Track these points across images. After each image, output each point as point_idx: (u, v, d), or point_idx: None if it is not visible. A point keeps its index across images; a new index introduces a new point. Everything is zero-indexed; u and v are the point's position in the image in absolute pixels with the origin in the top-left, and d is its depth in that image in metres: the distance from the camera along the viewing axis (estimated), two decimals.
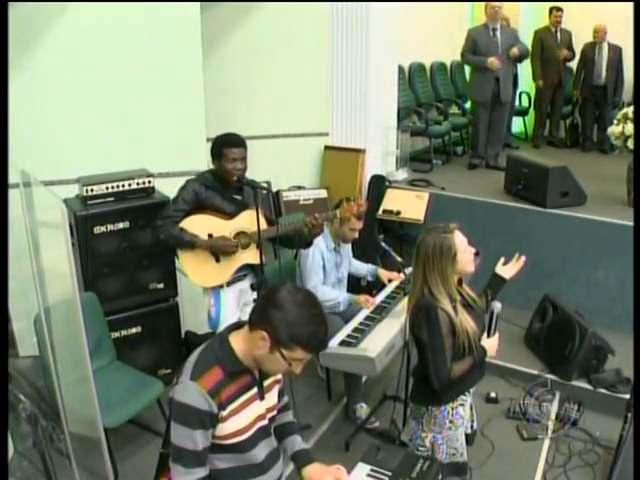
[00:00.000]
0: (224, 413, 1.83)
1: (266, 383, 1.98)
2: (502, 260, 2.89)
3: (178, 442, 1.81)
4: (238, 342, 1.87)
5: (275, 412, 2.07)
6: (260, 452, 1.98)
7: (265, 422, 1.99)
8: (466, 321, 2.50)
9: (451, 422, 2.62)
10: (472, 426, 2.89)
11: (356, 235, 3.92)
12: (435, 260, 2.48)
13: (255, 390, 1.93)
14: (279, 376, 2.06)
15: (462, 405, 2.65)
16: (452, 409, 2.61)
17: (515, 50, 6.32)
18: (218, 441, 1.87)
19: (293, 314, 1.76)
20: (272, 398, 2.03)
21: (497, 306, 2.64)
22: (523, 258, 2.86)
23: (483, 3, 6.51)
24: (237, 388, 1.87)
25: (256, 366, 1.90)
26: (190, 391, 1.78)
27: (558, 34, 7.71)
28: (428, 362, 2.52)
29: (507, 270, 2.85)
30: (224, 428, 1.85)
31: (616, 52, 7.58)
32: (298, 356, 1.79)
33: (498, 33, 6.39)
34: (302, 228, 3.38)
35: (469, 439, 2.85)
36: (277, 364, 1.82)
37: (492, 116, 6.60)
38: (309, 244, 3.57)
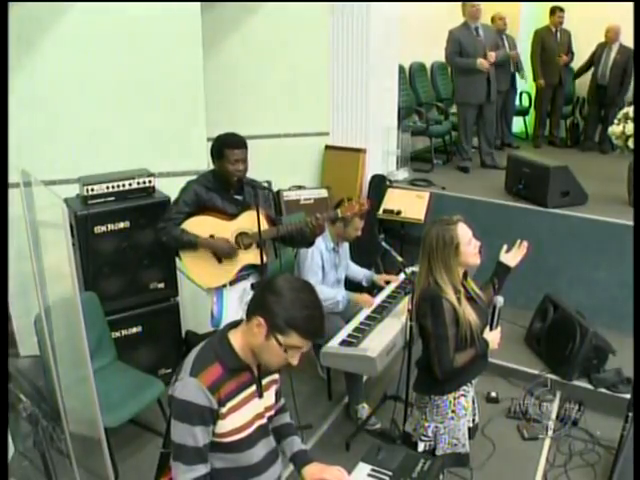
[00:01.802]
0: (223, 410, 1.82)
1: (264, 382, 1.98)
2: (505, 248, 2.91)
3: (179, 439, 1.81)
4: (237, 338, 1.87)
5: (273, 412, 2.07)
6: (258, 452, 1.97)
7: (263, 421, 1.99)
8: (469, 313, 2.55)
9: (453, 412, 2.68)
10: (474, 420, 2.91)
11: (359, 234, 3.91)
12: (439, 251, 2.54)
13: (254, 388, 1.93)
14: (276, 376, 2.06)
15: (464, 396, 2.70)
16: (454, 399, 2.67)
17: (493, 55, 6.31)
18: (217, 439, 1.87)
19: (289, 298, 1.76)
20: (270, 397, 2.03)
21: (499, 300, 2.69)
22: (525, 244, 2.87)
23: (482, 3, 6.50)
24: (236, 385, 1.86)
25: (255, 361, 1.90)
26: (190, 387, 1.78)
27: (558, 34, 7.71)
28: (431, 351, 2.58)
29: (511, 257, 2.87)
30: (223, 425, 1.85)
31: (625, 53, 7.57)
32: (294, 342, 1.78)
33: (481, 32, 6.40)
34: (304, 228, 3.38)
35: (471, 433, 2.87)
36: (274, 353, 1.80)
37: (484, 116, 6.60)
38: (311, 243, 3.58)
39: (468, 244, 2.57)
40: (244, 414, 1.89)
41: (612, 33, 7.56)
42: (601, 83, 7.71)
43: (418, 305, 2.65)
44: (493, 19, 7.44)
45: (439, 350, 2.54)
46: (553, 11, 7.65)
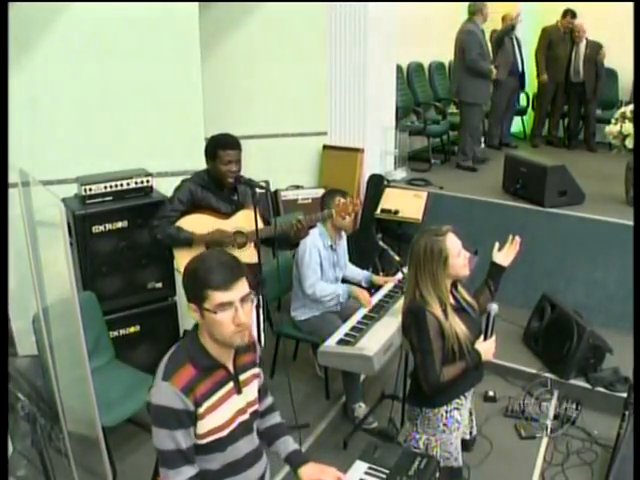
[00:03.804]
0: (201, 410, 1.81)
1: (242, 377, 1.96)
2: (497, 245, 2.83)
3: (161, 445, 1.79)
4: (204, 336, 1.86)
5: (257, 406, 2.03)
6: (240, 448, 1.95)
7: (246, 417, 1.96)
8: (457, 325, 2.47)
9: (445, 425, 2.59)
10: (471, 432, 2.85)
11: (350, 220, 3.87)
12: (426, 263, 2.47)
13: (231, 385, 1.91)
14: (257, 370, 2.04)
15: (457, 409, 2.62)
16: (446, 412, 2.59)
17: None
18: (199, 441, 1.84)
19: (192, 269, 1.82)
20: (252, 392, 2.00)
21: (493, 308, 2.62)
22: (518, 239, 2.80)
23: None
24: (212, 384, 1.85)
25: (230, 358, 1.90)
26: (163, 392, 1.78)
27: (566, 35, 7.74)
28: (417, 365, 2.52)
29: (504, 256, 2.80)
30: (203, 425, 1.82)
31: (593, 47, 7.65)
32: (217, 300, 1.76)
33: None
34: (289, 229, 3.41)
35: (467, 445, 2.81)
36: (217, 324, 1.78)
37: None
38: (294, 245, 3.61)
39: (457, 256, 2.50)
40: (223, 412, 1.87)
41: (581, 32, 7.65)
42: (575, 81, 7.78)
43: (404, 318, 2.59)
44: (504, 19, 7.44)
45: (424, 364, 2.47)
46: (565, 15, 7.67)
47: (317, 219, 3.68)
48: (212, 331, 1.82)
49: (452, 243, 2.49)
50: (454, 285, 2.61)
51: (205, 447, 1.86)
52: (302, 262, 3.83)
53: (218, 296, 1.76)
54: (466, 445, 2.79)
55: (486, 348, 2.58)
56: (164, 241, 3.35)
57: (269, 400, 2.20)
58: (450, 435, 2.61)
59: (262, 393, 2.12)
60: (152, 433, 1.81)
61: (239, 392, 1.93)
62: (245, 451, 1.97)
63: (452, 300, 2.57)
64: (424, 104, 7.53)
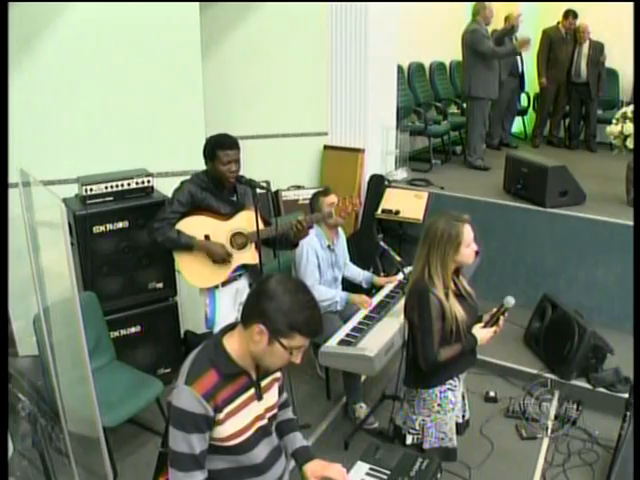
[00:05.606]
0: (221, 416, 1.82)
1: (264, 383, 1.98)
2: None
3: (175, 446, 1.81)
4: (232, 343, 1.87)
5: (275, 411, 2.06)
6: (260, 452, 1.97)
7: (264, 422, 1.98)
8: (456, 308, 2.61)
9: (440, 406, 2.74)
10: (464, 416, 2.95)
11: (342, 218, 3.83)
12: (440, 243, 2.59)
13: (252, 391, 1.92)
14: (278, 374, 2.06)
15: (451, 390, 2.75)
16: (440, 392, 2.73)
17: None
18: (217, 443, 1.87)
19: (287, 302, 1.77)
20: (272, 397, 2.02)
21: (509, 302, 2.73)
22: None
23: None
24: (234, 390, 1.86)
25: (253, 366, 1.90)
26: (185, 396, 1.79)
27: (568, 36, 7.74)
28: (417, 343, 2.65)
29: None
30: (221, 431, 1.84)
31: (596, 48, 7.67)
32: (297, 343, 1.80)
33: None
34: (289, 230, 3.41)
35: (460, 429, 2.91)
36: (277, 356, 1.81)
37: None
38: (295, 245, 3.60)
39: (468, 245, 2.63)
40: (243, 418, 1.89)
41: (585, 33, 7.68)
42: (576, 81, 7.81)
43: (407, 299, 2.72)
44: (507, 19, 7.43)
45: (424, 343, 2.61)
46: (566, 15, 7.67)
47: (317, 219, 3.68)
48: (264, 356, 1.83)
49: (468, 233, 2.63)
50: (456, 273, 2.72)
51: (225, 449, 1.88)
52: (300, 264, 3.83)
53: (301, 341, 1.80)
54: (459, 428, 2.90)
55: (483, 335, 2.71)
56: (164, 244, 3.35)
57: (284, 396, 2.22)
58: (444, 416, 2.76)
59: (279, 392, 2.13)
60: (169, 432, 1.84)
61: (260, 398, 1.95)
62: (264, 455, 1.99)
63: (453, 286, 2.69)
64: (425, 104, 7.52)
